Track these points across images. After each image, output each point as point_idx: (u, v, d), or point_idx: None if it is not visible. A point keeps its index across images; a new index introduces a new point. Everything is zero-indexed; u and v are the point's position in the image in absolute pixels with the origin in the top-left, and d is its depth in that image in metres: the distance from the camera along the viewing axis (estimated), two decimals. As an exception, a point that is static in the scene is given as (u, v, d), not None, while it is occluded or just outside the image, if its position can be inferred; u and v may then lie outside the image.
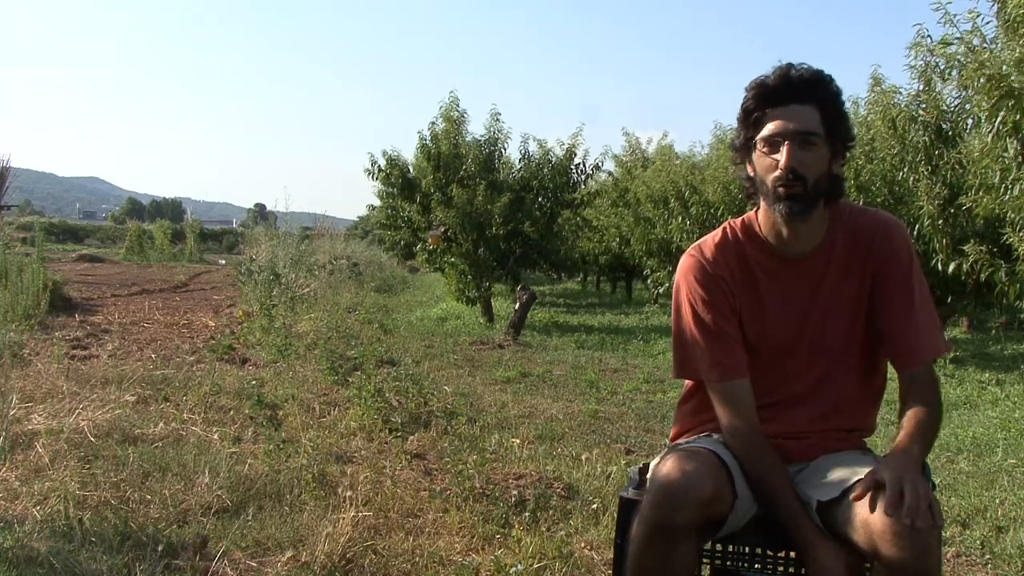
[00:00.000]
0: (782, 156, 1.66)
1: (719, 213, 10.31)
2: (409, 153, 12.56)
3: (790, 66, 1.70)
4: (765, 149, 1.70)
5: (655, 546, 1.57)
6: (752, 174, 1.76)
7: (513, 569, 2.49)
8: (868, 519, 1.47)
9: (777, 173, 1.67)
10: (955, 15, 4.99)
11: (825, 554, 1.57)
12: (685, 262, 1.84)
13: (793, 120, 1.66)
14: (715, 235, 1.86)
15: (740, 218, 1.86)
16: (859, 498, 1.48)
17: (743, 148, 1.76)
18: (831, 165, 1.72)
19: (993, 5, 4.54)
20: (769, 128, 1.69)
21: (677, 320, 1.84)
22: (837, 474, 1.65)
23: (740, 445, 1.73)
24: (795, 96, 1.67)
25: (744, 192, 1.84)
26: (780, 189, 1.67)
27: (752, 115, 1.72)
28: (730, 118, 1.85)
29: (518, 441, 4.36)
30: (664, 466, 1.61)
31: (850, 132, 1.75)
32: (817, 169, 1.68)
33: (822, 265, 1.77)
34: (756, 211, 1.82)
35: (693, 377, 1.86)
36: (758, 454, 1.70)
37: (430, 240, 11.95)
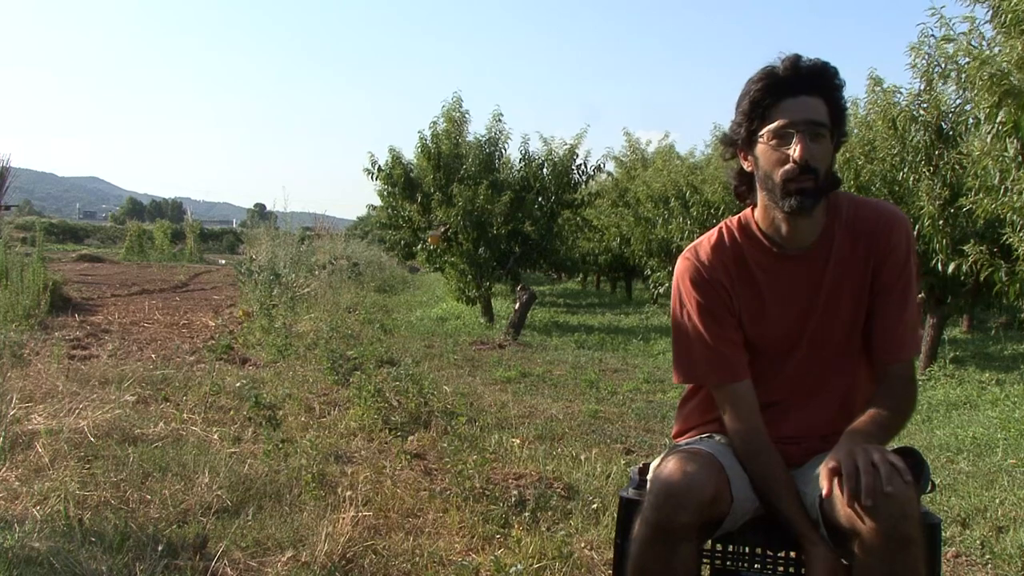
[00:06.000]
0: (795, 148, 1.61)
1: (719, 213, 10.32)
2: (409, 153, 12.57)
3: (798, 56, 1.65)
4: (773, 142, 1.64)
5: (656, 547, 1.57)
6: (750, 169, 1.73)
7: (513, 569, 2.49)
8: (843, 501, 1.46)
9: (789, 166, 1.62)
10: (951, 19, 5.01)
11: (820, 555, 1.57)
12: (680, 266, 1.82)
13: (805, 111, 1.62)
14: (711, 236, 1.83)
15: (736, 217, 1.83)
16: (828, 494, 1.45)
17: (745, 141, 1.71)
18: (832, 159, 1.69)
19: (988, 10, 4.55)
20: (780, 120, 1.63)
21: (675, 325, 1.83)
22: None
23: (742, 447, 1.73)
24: (805, 87, 1.63)
25: (734, 191, 1.81)
26: (791, 184, 1.63)
27: (760, 106, 1.65)
28: (728, 119, 1.82)
29: (518, 441, 4.36)
30: (665, 467, 1.60)
31: (847, 127, 1.74)
32: (825, 162, 1.65)
33: (821, 260, 1.74)
34: (752, 209, 1.79)
35: (694, 381, 1.87)
36: (760, 456, 1.70)
37: (430, 240, 11.95)
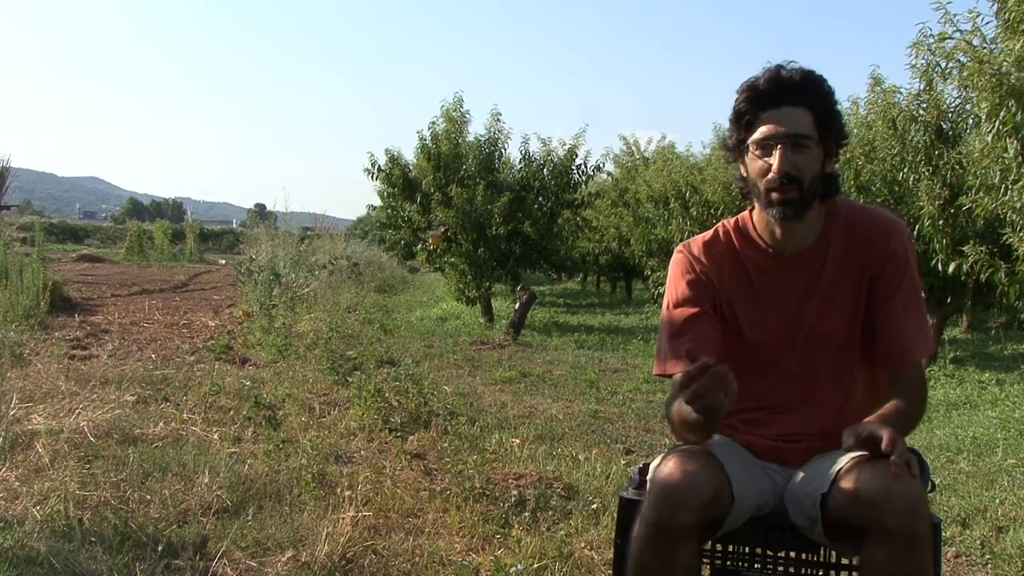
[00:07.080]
0: (774, 160, 1.65)
1: (719, 213, 10.34)
2: (409, 153, 12.57)
3: (780, 67, 1.68)
4: (757, 152, 1.68)
5: (656, 547, 1.56)
6: (745, 175, 1.75)
7: (513, 569, 2.49)
8: (858, 490, 1.47)
9: (770, 176, 1.66)
10: (955, 15, 5.01)
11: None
12: (673, 258, 1.86)
13: (785, 123, 1.65)
14: (706, 234, 1.86)
15: (734, 218, 1.85)
16: (853, 454, 1.49)
17: (735, 150, 1.75)
18: (824, 165, 1.70)
19: (993, 5, 4.55)
20: (761, 131, 1.67)
21: (662, 316, 1.85)
22: (828, 464, 1.63)
23: (674, 432, 1.76)
24: (786, 98, 1.65)
25: (740, 192, 1.83)
26: (773, 194, 1.66)
27: (744, 118, 1.70)
28: (728, 120, 1.83)
29: (518, 441, 4.36)
30: (666, 467, 1.60)
31: (843, 131, 1.74)
32: (811, 171, 1.66)
33: (818, 263, 1.75)
34: (751, 210, 1.81)
35: (663, 372, 1.81)
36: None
37: (430, 240, 11.95)
